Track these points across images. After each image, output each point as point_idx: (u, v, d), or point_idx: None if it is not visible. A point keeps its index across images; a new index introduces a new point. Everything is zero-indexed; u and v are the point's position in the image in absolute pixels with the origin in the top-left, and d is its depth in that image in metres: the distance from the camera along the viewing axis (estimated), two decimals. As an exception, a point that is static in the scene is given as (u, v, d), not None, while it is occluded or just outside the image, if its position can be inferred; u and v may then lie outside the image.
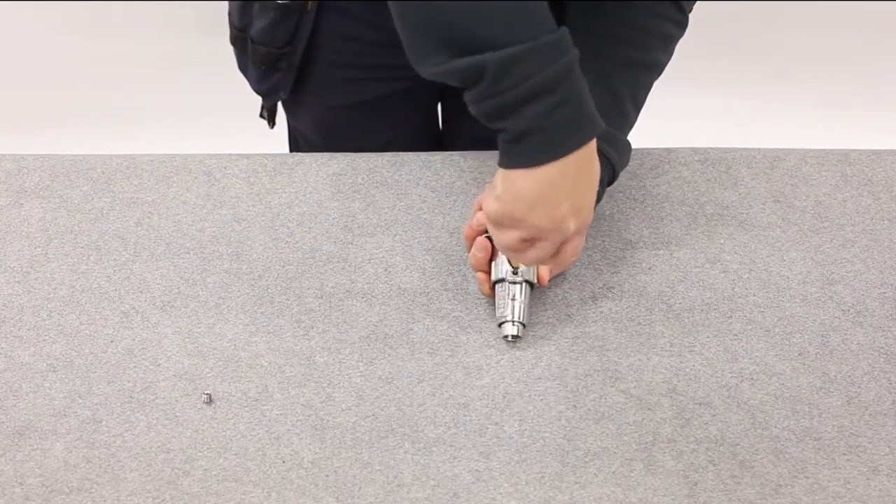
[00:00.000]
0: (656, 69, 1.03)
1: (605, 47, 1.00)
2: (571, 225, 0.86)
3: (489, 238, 0.98)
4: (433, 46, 0.80)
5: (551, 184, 0.83)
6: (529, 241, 0.88)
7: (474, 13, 0.77)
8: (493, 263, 0.97)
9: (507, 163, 0.84)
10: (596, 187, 0.89)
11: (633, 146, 1.05)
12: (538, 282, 0.96)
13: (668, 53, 1.04)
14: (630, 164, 1.06)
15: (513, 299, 0.95)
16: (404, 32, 0.82)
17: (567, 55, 0.80)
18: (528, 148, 0.82)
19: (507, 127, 0.82)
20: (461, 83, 0.82)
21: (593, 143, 0.85)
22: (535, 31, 0.78)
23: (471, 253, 0.98)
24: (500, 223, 0.88)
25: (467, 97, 0.83)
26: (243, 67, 1.24)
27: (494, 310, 0.98)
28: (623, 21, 1.00)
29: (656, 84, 1.06)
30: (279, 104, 1.29)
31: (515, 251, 0.90)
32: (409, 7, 0.79)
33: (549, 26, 0.79)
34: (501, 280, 0.96)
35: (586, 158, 0.85)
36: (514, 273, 0.95)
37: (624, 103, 1.01)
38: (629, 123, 1.03)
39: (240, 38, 1.20)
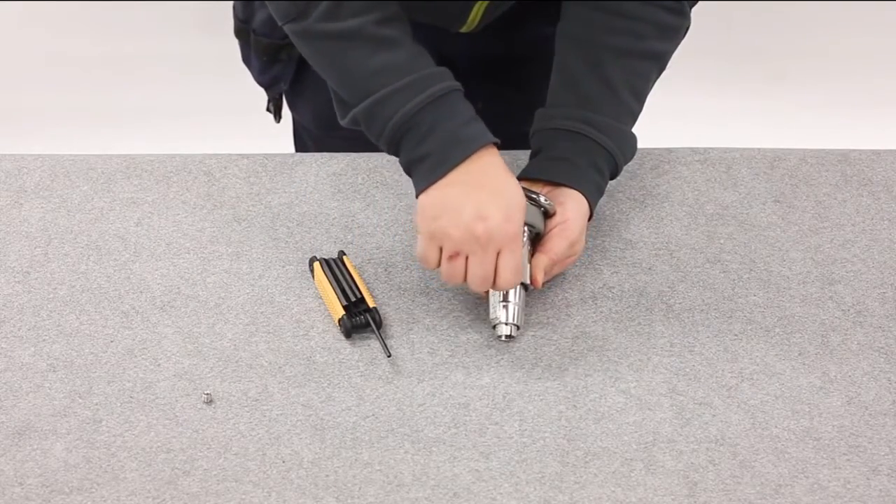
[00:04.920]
0: (654, 58, 1.03)
1: (597, 38, 1.01)
2: (480, 229, 0.89)
3: None
4: (336, 106, 0.99)
5: (444, 196, 0.91)
6: (455, 258, 0.91)
7: (341, 79, 0.95)
8: None
9: (415, 191, 0.94)
10: (506, 198, 0.91)
11: (633, 147, 1.05)
12: (532, 284, 0.96)
13: (668, 42, 1.03)
14: (630, 164, 1.06)
15: (506, 302, 0.95)
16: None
17: (425, 91, 0.92)
18: (417, 176, 0.94)
19: (400, 163, 0.96)
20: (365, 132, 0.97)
21: (489, 154, 0.93)
22: (390, 80, 0.92)
23: None
24: (421, 248, 0.94)
25: None
26: (246, 59, 1.26)
27: (488, 312, 0.97)
28: (615, 11, 1.00)
29: (657, 84, 1.05)
30: (283, 99, 1.30)
31: (448, 274, 0.93)
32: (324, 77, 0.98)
33: (409, 71, 0.93)
34: None
35: (480, 168, 0.92)
36: None
37: (619, 93, 1.01)
38: (630, 113, 1.03)
39: (243, 31, 1.23)
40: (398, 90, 0.92)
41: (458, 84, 0.95)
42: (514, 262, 0.91)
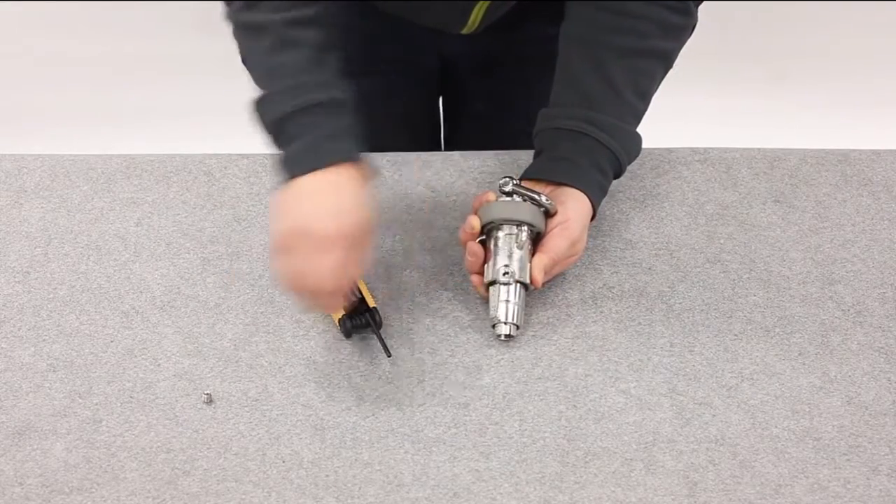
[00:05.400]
0: (659, 56, 1.02)
1: (600, 37, 1.01)
2: (299, 222, 0.87)
3: (482, 242, 0.98)
4: None
5: (285, 198, 0.90)
6: (281, 254, 0.89)
7: (249, 69, 0.96)
8: (486, 266, 0.97)
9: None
10: (341, 205, 0.88)
11: (634, 146, 1.05)
12: (532, 283, 0.96)
13: (672, 41, 1.03)
14: (631, 164, 1.06)
15: (506, 301, 0.95)
16: None
17: (303, 97, 0.91)
18: (279, 179, 0.92)
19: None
20: None
21: (345, 170, 0.90)
22: (277, 81, 0.93)
23: (465, 256, 0.98)
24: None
25: None
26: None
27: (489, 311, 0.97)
28: (618, 11, 1.00)
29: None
30: None
31: (276, 272, 0.90)
32: None
33: (297, 76, 0.92)
34: (494, 282, 0.96)
35: (329, 180, 0.89)
36: (505, 274, 0.95)
37: (622, 92, 1.00)
38: (633, 112, 1.02)
39: None
40: (279, 92, 0.92)
41: (345, 97, 0.93)
42: (328, 264, 0.86)
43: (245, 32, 0.96)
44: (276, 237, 0.89)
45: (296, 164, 0.90)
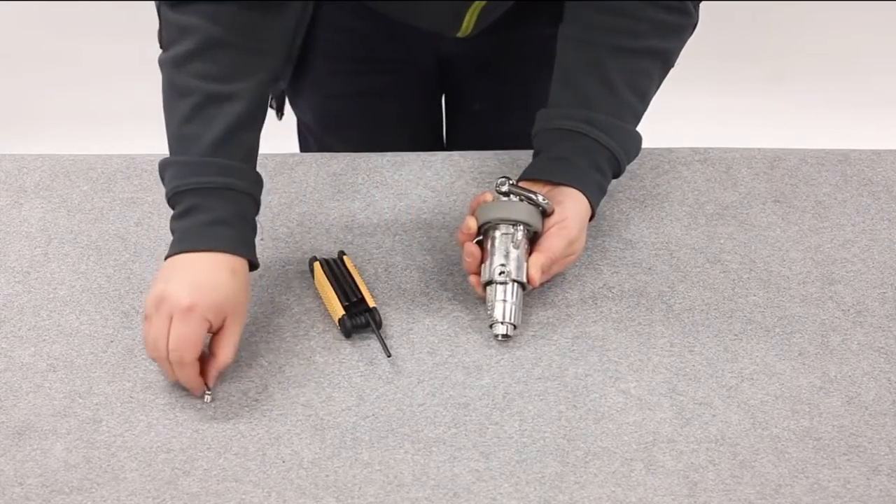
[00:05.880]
0: (656, 55, 1.02)
1: (597, 37, 1.01)
2: (157, 290, 0.89)
3: (479, 243, 0.98)
4: None
5: (162, 269, 0.93)
6: (146, 320, 0.91)
7: (166, 121, 0.98)
8: (482, 266, 0.97)
9: None
10: (202, 283, 0.89)
11: (633, 147, 1.05)
12: (529, 282, 0.96)
13: (670, 40, 1.03)
14: (630, 163, 1.06)
15: (503, 300, 0.95)
16: None
17: (197, 176, 0.93)
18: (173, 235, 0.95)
19: None
20: None
21: (224, 259, 0.91)
22: (182, 151, 0.95)
23: (463, 257, 0.98)
24: None
25: None
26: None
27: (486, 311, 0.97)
28: (615, 11, 1.00)
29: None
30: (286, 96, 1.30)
31: (144, 340, 0.92)
32: None
33: (200, 153, 0.93)
34: (490, 282, 0.96)
35: (203, 263, 0.91)
36: (501, 274, 0.95)
37: (619, 91, 1.00)
38: (632, 111, 1.02)
39: None
40: (181, 164, 0.94)
41: (242, 184, 0.94)
42: (181, 333, 0.88)
43: (168, 88, 0.97)
44: (146, 304, 0.91)
45: (178, 241, 0.93)
